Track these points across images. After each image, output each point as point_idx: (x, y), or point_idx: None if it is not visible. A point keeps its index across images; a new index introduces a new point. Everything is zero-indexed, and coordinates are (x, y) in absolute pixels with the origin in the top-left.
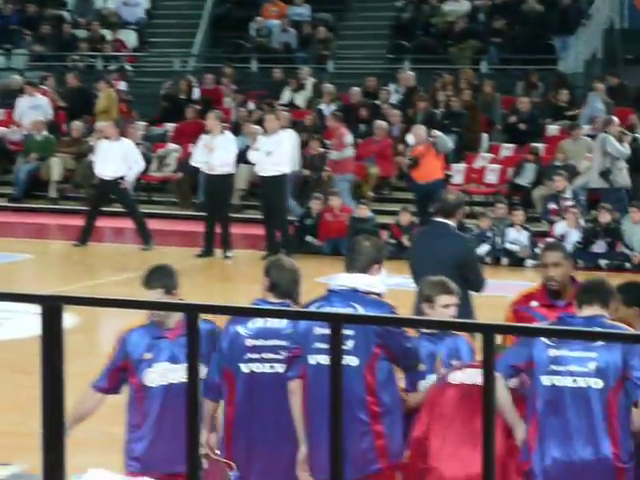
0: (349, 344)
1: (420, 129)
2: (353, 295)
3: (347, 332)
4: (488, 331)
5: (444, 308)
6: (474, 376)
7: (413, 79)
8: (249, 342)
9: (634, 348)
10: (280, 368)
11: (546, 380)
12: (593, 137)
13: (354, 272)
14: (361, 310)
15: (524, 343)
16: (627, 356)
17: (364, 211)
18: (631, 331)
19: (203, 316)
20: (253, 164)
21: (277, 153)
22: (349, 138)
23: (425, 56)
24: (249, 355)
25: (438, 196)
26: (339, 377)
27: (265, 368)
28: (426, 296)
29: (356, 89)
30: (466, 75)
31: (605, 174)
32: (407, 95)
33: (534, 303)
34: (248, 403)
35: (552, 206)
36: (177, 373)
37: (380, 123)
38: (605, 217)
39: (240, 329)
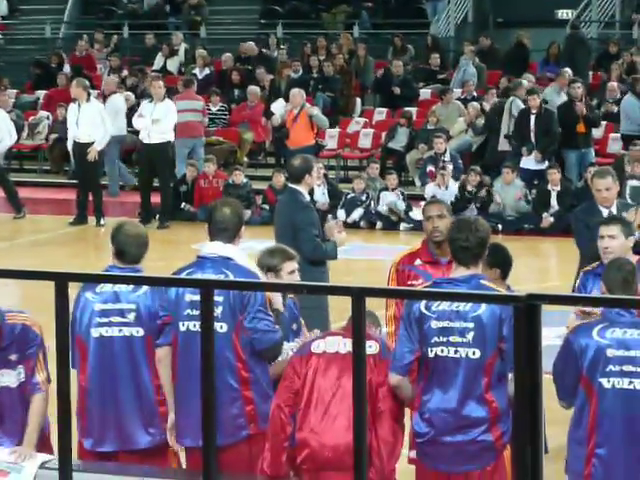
0: (217, 310)
1: (297, 93)
2: (224, 262)
3: (216, 299)
4: (358, 295)
5: (290, 274)
6: (336, 344)
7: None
8: (97, 307)
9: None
10: (128, 332)
11: (430, 352)
12: (464, 100)
13: (221, 240)
14: (231, 276)
15: (409, 333)
16: (502, 325)
17: (239, 177)
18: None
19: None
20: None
21: (164, 121)
22: (191, 104)
23: (298, 21)
24: (98, 319)
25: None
26: (211, 343)
27: (114, 332)
28: (269, 266)
29: (228, 55)
30: (344, 40)
31: (510, 137)
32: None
33: (418, 261)
34: (100, 369)
35: (430, 168)
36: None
37: (252, 88)
38: (475, 180)
39: (89, 295)
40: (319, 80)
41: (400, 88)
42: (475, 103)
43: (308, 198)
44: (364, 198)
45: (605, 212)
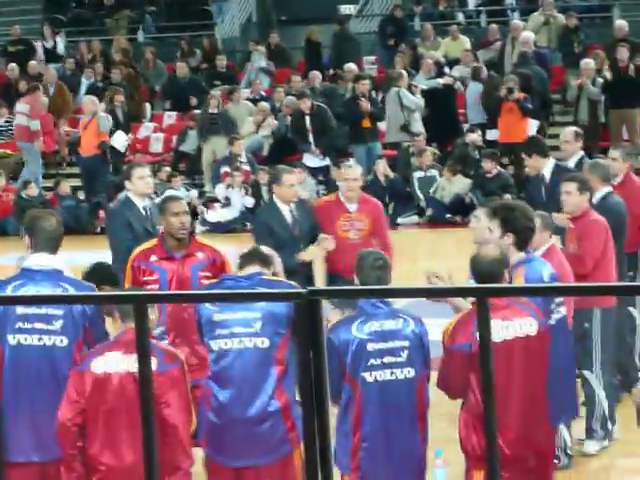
0: (57, 325)
1: (88, 100)
2: (57, 275)
3: (55, 312)
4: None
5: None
6: (121, 364)
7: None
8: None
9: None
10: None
11: (214, 345)
12: (253, 101)
13: (47, 251)
14: (72, 290)
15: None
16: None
17: (32, 190)
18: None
19: None
20: None
21: None
22: None
23: (81, 28)
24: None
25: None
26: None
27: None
28: None
29: (13, 65)
30: (119, 44)
31: (405, 127)
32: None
33: (153, 257)
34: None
35: (224, 169)
36: None
37: (38, 99)
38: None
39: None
40: (106, 87)
41: (188, 91)
42: (264, 103)
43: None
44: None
45: (286, 210)
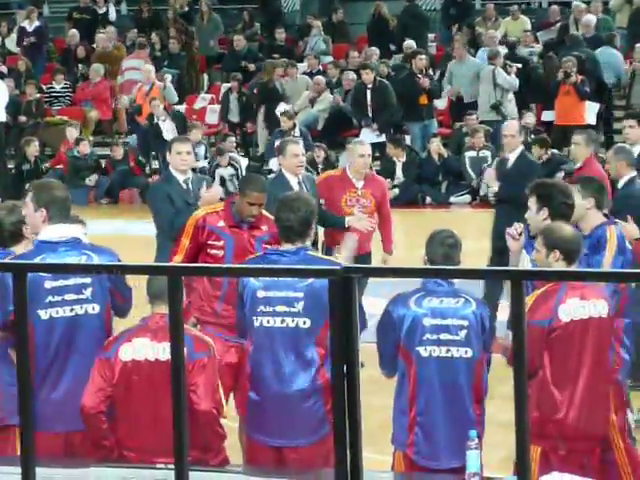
0: (87, 293)
1: (149, 69)
2: (79, 244)
3: (84, 280)
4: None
5: None
6: (149, 350)
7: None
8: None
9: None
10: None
11: (256, 321)
12: (310, 74)
13: (64, 221)
14: (95, 257)
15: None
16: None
17: (84, 148)
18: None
19: None
20: None
21: None
22: None
23: None
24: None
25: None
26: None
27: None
28: None
29: (73, 31)
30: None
31: (496, 106)
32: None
33: (221, 223)
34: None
35: (277, 143)
36: None
37: (96, 66)
38: (320, 155)
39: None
40: (164, 57)
41: (248, 62)
42: (320, 77)
43: None
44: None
45: (294, 181)
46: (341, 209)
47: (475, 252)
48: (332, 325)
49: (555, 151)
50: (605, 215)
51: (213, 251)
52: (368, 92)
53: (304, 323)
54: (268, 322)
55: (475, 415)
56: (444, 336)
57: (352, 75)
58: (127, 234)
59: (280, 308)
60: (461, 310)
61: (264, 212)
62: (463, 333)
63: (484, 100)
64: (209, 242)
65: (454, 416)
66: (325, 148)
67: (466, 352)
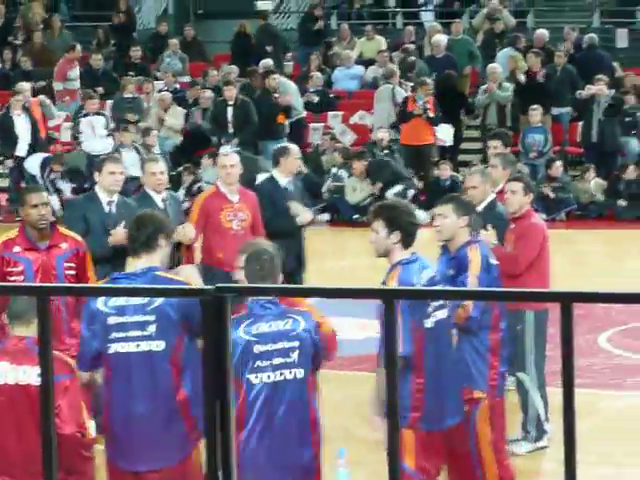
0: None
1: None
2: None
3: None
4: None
5: None
6: (9, 374)
7: None
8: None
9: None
10: (145, 346)
11: (111, 349)
12: (173, 92)
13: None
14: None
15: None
16: (185, 310)
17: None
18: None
19: None
20: None
21: None
22: None
23: None
24: (115, 334)
25: None
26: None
27: (130, 347)
28: None
29: None
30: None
31: (396, 125)
32: None
33: (17, 248)
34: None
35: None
36: None
37: None
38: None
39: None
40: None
41: (102, 81)
42: (165, 93)
43: None
44: None
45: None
46: (220, 225)
47: (334, 271)
48: (205, 346)
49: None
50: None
51: (13, 277)
52: (229, 109)
53: (157, 346)
54: (123, 348)
55: (311, 434)
56: (277, 360)
57: (209, 93)
58: None
59: (133, 333)
60: (290, 332)
61: (62, 229)
62: (295, 354)
63: (383, 118)
64: (7, 269)
65: (287, 439)
66: (192, 169)
67: (299, 372)
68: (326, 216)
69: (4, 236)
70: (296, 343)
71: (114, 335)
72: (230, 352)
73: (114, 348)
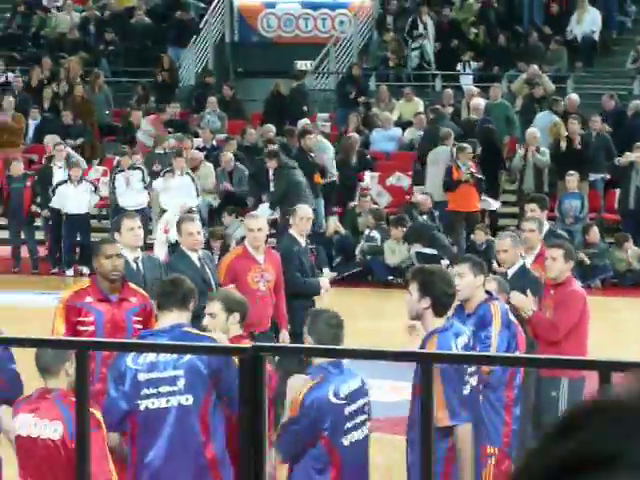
0: (179, 384)
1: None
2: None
3: (177, 372)
4: None
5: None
6: (29, 426)
7: None
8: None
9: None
10: (175, 401)
11: (142, 405)
12: (211, 149)
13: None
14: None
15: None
16: (215, 365)
17: None
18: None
19: None
20: None
21: None
22: None
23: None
24: (145, 391)
25: None
26: None
27: (161, 403)
28: None
29: None
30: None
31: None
32: None
33: (88, 298)
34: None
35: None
36: None
37: None
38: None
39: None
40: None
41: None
42: (196, 151)
43: None
44: None
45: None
46: (248, 286)
47: (367, 332)
48: (242, 404)
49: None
50: (487, 292)
51: (83, 328)
52: (270, 172)
53: (186, 400)
54: (153, 404)
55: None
56: (163, 388)
57: (229, 155)
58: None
59: (164, 389)
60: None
61: (132, 284)
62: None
63: (437, 180)
64: (78, 319)
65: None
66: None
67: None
68: (333, 274)
69: (77, 286)
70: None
71: (145, 392)
72: (266, 409)
73: (144, 404)
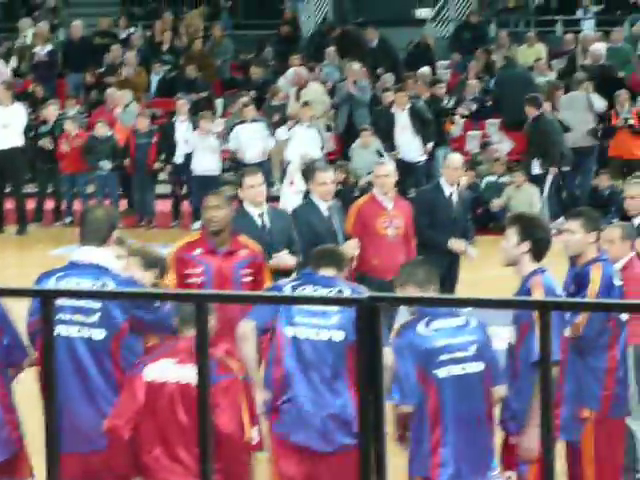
0: (94, 317)
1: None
2: (102, 271)
3: (93, 305)
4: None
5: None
6: (172, 373)
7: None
8: None
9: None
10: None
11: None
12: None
13: (91, 244)
14: (112, 284)
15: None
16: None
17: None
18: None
19: None
20: None
21: (13, 125)
22: None
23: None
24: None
25: None
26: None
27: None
28: None
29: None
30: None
31: (594, 132)
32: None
33: (198, 250)
34: None
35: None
36: None
37: (111, 91)
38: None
39: None
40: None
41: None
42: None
43: None
44: None
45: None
46: (376, 232)
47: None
48: (359, 354)
49: None
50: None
51: (192, 280)
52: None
53: (339, 336)
54: (306, 336)
55: (490, 427)
56: (458, 354)
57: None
58: None
59: (316, 321)
60: (467, 326)
61: (242, 238)
62: (473, 347)
63: (581, 126)
64: (186, 271)
65: (474, 433)
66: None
67: (478, 366)
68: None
69: (187, 238)
70: (474, 337)
71: (296, 320)
72: (381, 357)
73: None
